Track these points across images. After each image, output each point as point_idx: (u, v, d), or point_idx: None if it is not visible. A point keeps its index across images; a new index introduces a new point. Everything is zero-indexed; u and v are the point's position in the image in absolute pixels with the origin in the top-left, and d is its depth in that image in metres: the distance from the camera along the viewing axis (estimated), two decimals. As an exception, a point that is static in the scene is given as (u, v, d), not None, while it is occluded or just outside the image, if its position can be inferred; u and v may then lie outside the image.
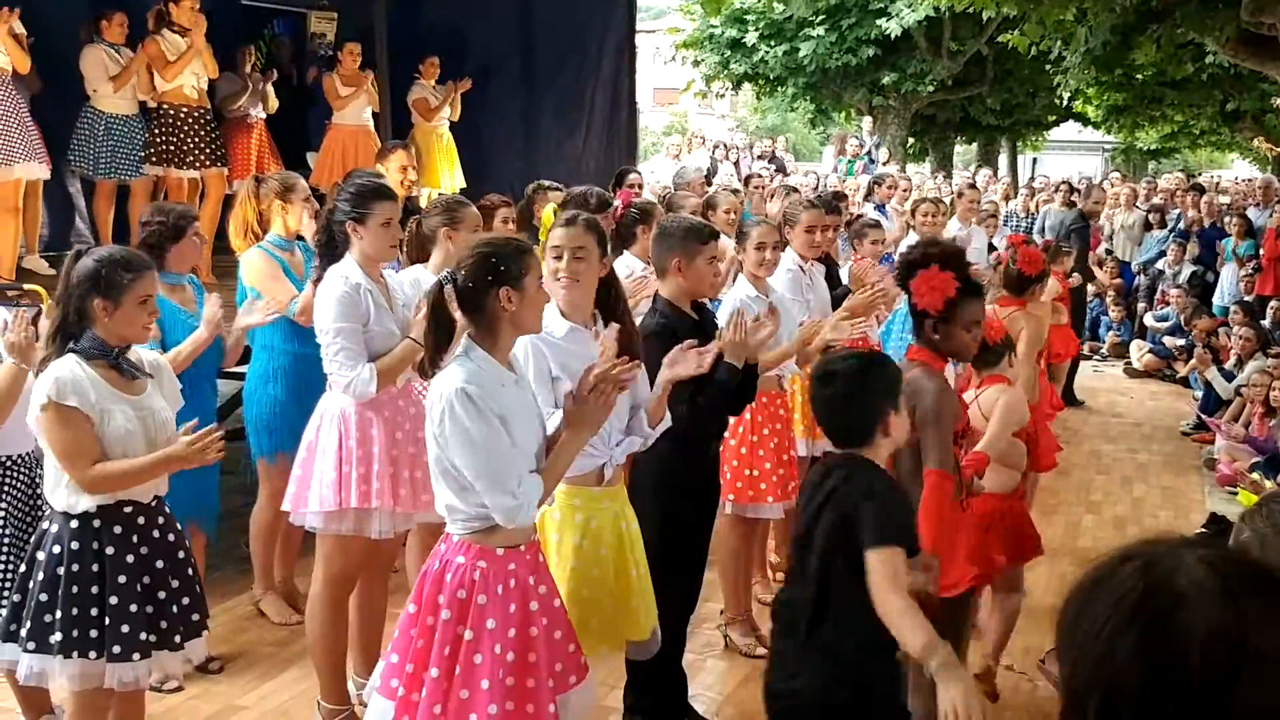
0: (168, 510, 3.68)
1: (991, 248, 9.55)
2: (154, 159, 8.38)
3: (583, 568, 3.76)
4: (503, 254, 3.19)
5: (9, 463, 4.00)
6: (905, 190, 11.60)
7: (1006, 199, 15.63)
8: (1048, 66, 16.80)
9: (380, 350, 4.32)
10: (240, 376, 5.88)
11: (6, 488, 3.99)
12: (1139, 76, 20.71)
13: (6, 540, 3.94)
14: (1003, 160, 31.11)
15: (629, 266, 5.90)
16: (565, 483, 3.59)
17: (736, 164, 17.44)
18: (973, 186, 11.02)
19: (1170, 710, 1.17)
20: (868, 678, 3.13)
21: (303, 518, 4.42)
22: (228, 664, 5.09)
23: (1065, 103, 23.16)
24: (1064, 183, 13.64)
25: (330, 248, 4.41)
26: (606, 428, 3.58)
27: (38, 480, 4.07)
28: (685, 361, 3.72)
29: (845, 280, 6.79)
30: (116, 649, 3.44)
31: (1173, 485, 8.73)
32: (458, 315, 3.20)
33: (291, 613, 5.50)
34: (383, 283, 4.46)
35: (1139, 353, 13.36)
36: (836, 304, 5.79)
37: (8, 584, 3.89)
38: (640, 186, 8.21)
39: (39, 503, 4.05)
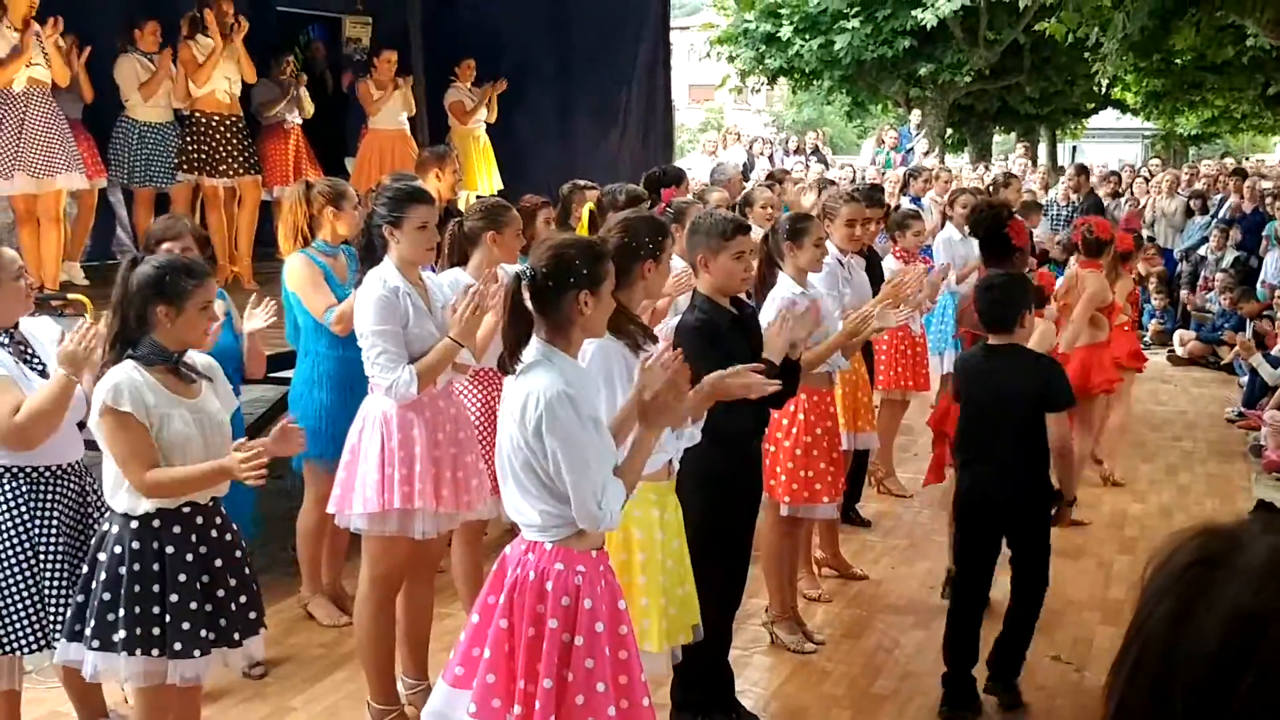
0: (224, 511, 3.72)
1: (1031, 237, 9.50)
2: (187, 166, 8.47)
3: (663, 561, 3.78)
4: (585, 256, 3.20)
5: (60, 471, 4.04)
6: (945, 182, 11.55)
7: (1046, 188, 15.51)
8: (1085, 54, 16.63)
9: (420, 352, 4.35)
10: (285, 382, 5.93)
11: (58, 495, 4.03)
12: (1178, 61, 20.53)
13: (61, 546, 4.00)
14: (1042, 149, 30.88)
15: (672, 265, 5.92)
16: (641, 480, 3.59)
17: (772, 158, 17.39)
18: (1013, 175, 10.94)
19: (1183, 677, 1.19)
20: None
21: (348, 519, 4.46)
22: (278, 666, 5.13)
23: (1104, 90, 22.89)
24: (1111, 173, 13.52)
25: (370, 251, 4.46)
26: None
27: (87, 488, 4.13)
28: (746, 384, 3.62)
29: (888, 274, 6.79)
30: (178, 646, 3.49)
31: (1219, 473, 8.64)
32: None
33: (339, 614, 5.54)
34: (422, 285, 4.49)
35: (1183, 340, 13.23)
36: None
37: (63, 588, 3.95)
38: (687, 188, 8.22)
39: (89, 510, 4.10)
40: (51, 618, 3.93)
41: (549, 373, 3.10)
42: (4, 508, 3.91)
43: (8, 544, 3.91)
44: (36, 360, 4.03)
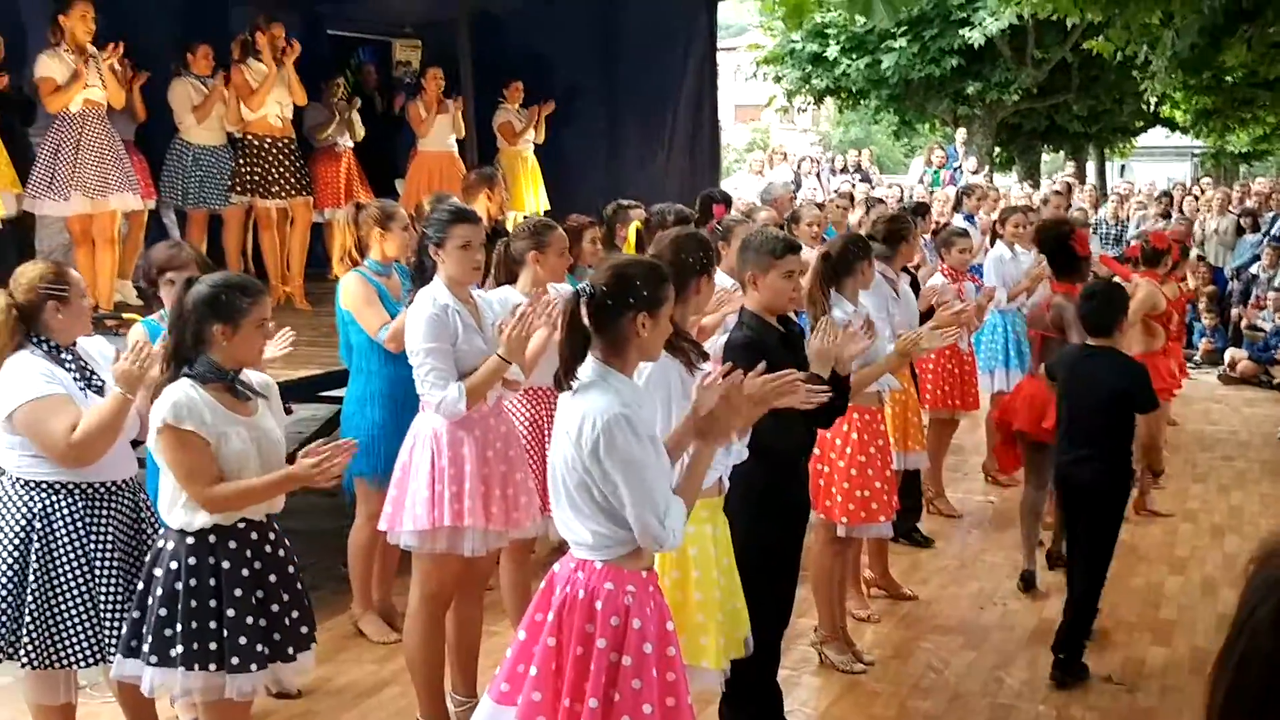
0: (278, 527, 3.75)
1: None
2: (241, 188, 8.59)
3: (716, 577, 3.78)
4: (647, 278, 3.19)
5: (114, 487, 4.09)
6: (994, 200, 11.51)
7: (1095, 206, 15.40)
8: (1134, 72, 16.52)
9: (470, 369, 4.39)
10: (337, 400, 5.98)
11: (112, 512, 4.08)
12: (1228, 79, 20.25)
13: (116, 561, 4.05)
14: (1090, 167, 30.63)
15: (718, 282, 5.94)
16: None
17: (819, 177, 17.39)
18: (1058, 194, 10.89)
19: None
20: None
21: (398, 536, 4.49)
22: (329, 682, 5.17)
23: (1153, 108, 22.69)
24: (1164, 194, 13.39)
25: (421, 270, 4.52)
26: None
27: (140, 505, 4.18)
28: (794, 394, 3.51)
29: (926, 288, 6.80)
30: (235, 660, 3.52)
31: (1272, 492, 8.52)
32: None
33: (390, 631, 5.58)
34: (472, 302, 4.53)
35: (1234, 359, 13.07)
36: (925, 318, 5.79)
37: (118, 603, 4.00)
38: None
39: (143, 526, 4.15)
40: (106, 633, 3.98)
41: (605, 394, 3.10)
42: (60, 523, 3.96)
43: (64, 559, 3.96)
44: (95, 379, 4.09)
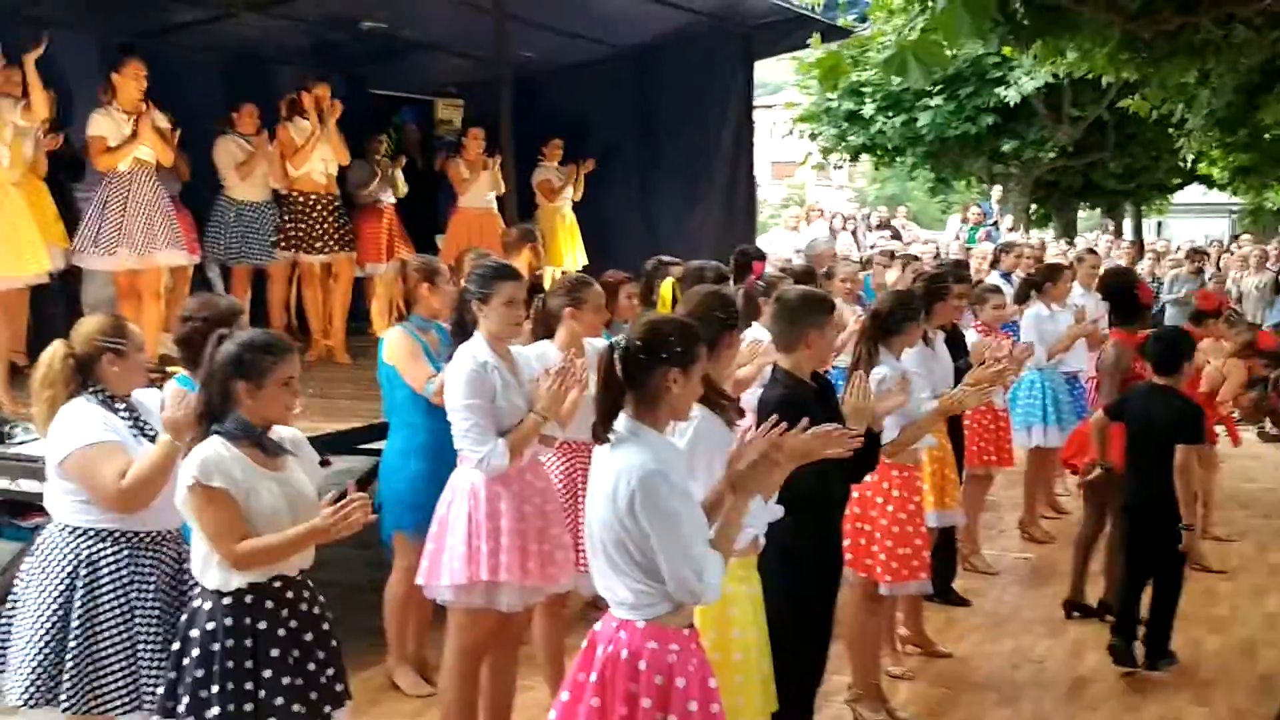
0: (310, 584, 3.77)
1: None
2: (285, 244, 8.74)
3: (755, 637, 3.80)
4: (679, 335, 3.23)
5: (158, 537, 4.13)
6: (1032, 258, 11.50)
7: (1132, 263, 15.35)
8: (1170, 129, 16.50)
9: (509, 425, 4.44)
10: (374, 453, 6.04)
11: (156, 561, 4.11)
12: (1266, 136, 20.20)
13: (156, 610, 4.09)
14: (1127, 224, 30.54)
15: (757, 336, 6.03)
16: (733, 556, 3.60)
17: (855, 234, 17.44)
18: (1092, 252, 10.87)
19: None
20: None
21: (435, 591, 4.53)
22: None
23: (1189, 165, 22.65)
24: (1196, 250, 13.35)
25: (461, 327, 4.58)
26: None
27: (183, 556, 4.19)
28: (828, 441, 3.54)
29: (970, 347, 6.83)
30: None
31: (1318, 548, 8.40)
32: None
33: (424, 684, 5.60)
34: (510, 359, 4.60)
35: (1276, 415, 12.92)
36: (960, 373, 5.81)
37: (156, 653, 4.02)
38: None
39: (184, 577, 4.16)
40: (145, 681, 4.00)
41: (639, 451, 3.12)
42: (105, 571, 4.02)
43: (107, 606, 4.00)
44: (149, 428, 4.16)
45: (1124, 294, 7.23)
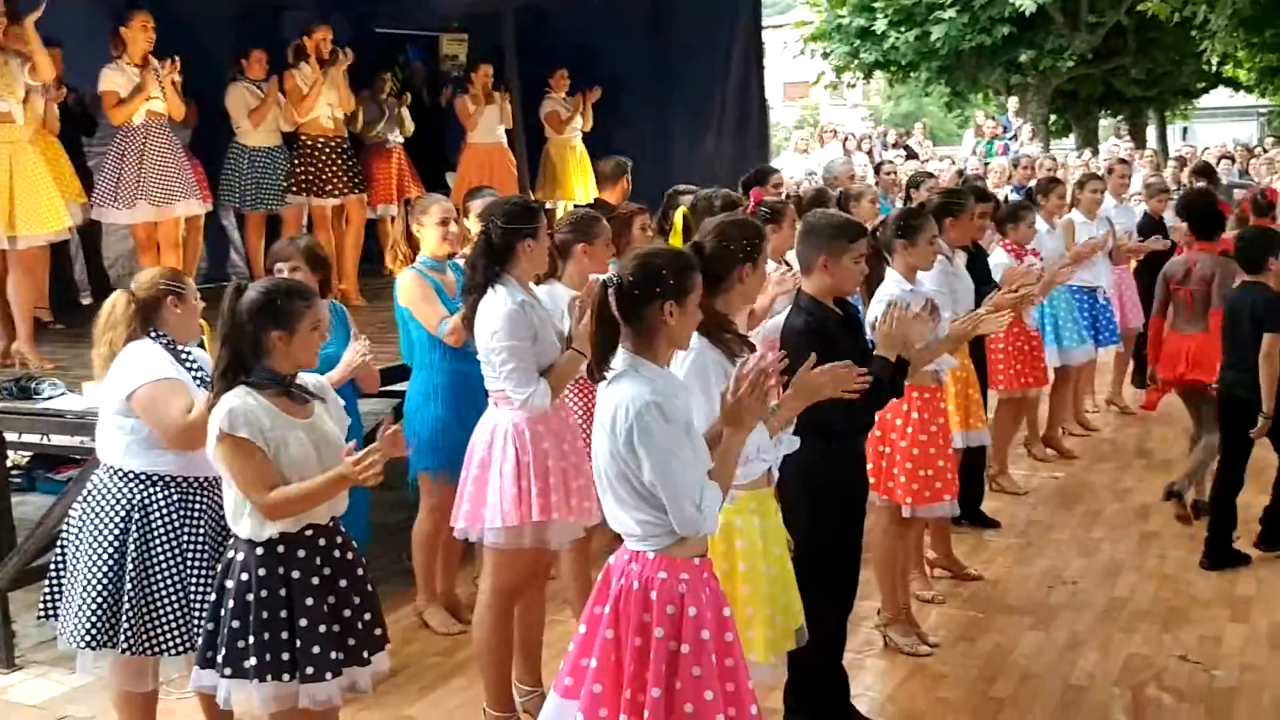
0: (343, 529, 3.77)
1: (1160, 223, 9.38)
2: (296, 188, 8.70)
3: (766, 570, 3.77)
4: (671, 267, 3.20)
5: (207, 483, 4.14)
6: (1049, 170, 11.33)
7: (1156, 170, 15.14)
8: (1193, 32, 16.21)
9: (546, 364, 4.40)
10: (398, 395, 6.03)
11: (204, 506, 4.15)
12: (1293, 34, 19.83)
13: (205, 555, 4.11)
14: (1151, 131, 30.13)
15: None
16: (741, 489, 3.60)
17: (871, 153, 17.24)
18: (1124, 162, 10.68)
19: None
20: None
21: (479, 533, 4.50)
22: (394, 675, 5.18)
23: (1214, 68, 22.28)
24: (1224, 156, 13.12)
25: (490, 267, 4.45)
26: (761, 431, 3.54)
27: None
28: (839, 379, 3.53)
29: (993, 267, 6.74)
30: (309, 670, 3.54)
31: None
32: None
33: (454, 622, 5.63)
34: (534, 297, 4.55)
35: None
36: (982, 295, 5.71)
37: (206, 596, 4.02)
38: (780, 185, 8.22)
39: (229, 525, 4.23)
40: (195, 623, 4.05)
41: (636, 383, 3.12)
42: (157, 515, 4.07)
43: (160, 549, 4.06)
44: (208, 376, 4.15)
45: (1206, 211, 7.50)
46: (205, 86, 8.62)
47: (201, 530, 4.12)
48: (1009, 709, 4.87)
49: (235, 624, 3.56)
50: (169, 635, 4.06)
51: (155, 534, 4.07)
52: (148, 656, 4.08)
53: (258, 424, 3.52)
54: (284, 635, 3.55)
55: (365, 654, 3.71)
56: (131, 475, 4.10)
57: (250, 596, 3.55)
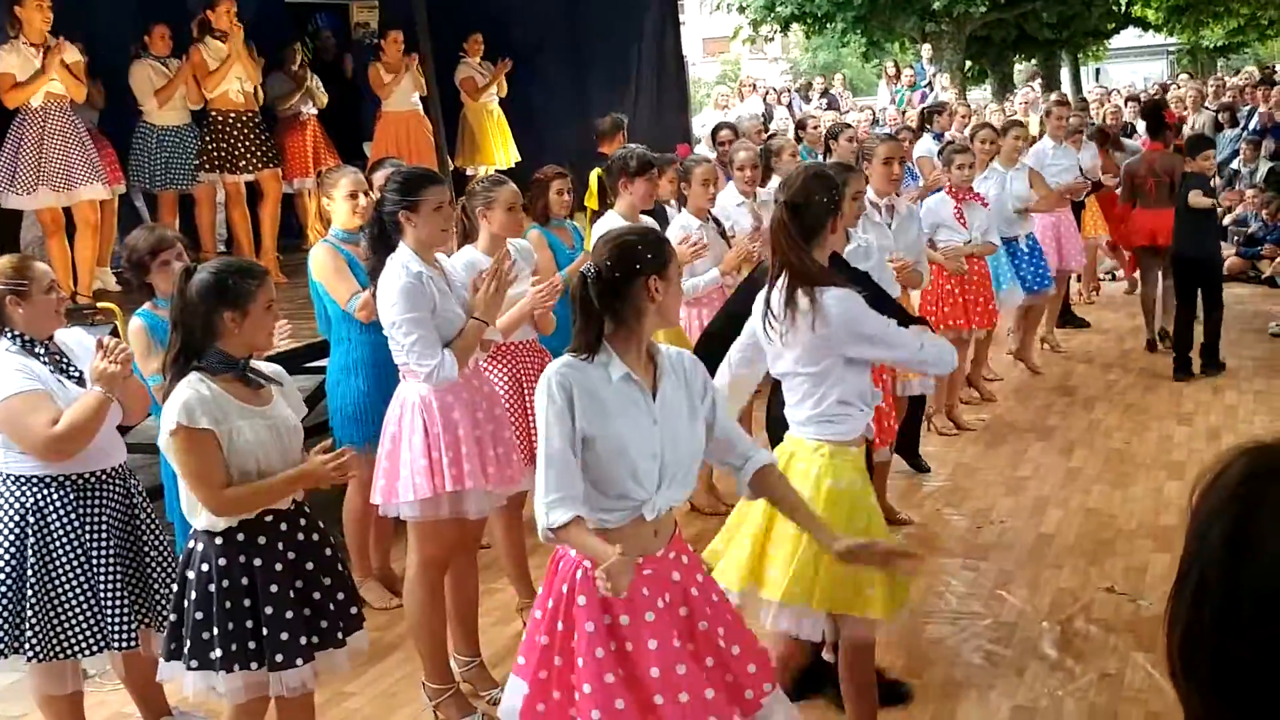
0: (308, 510, 3.70)
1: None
2: (208, 166, 8.52)
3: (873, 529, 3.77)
4: (646, 242, 3.13)
5: (104, 476, 4.07)
6: (964, 117, 11.40)
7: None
8: (1102, -27, 16.36)
9: (448, 335, 4.34)
10: (319, 371, 5.96)
11: (105, 500, 4.06)
12: (1198, -28, 20.12)
13: (112, 549, 4.04)
14: (1065, 74, 30.44)
15: (682, 224, 6.01)
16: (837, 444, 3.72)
17: (790, 106, 17.25)
18: (1061, 104, 10.72)
19: (1251, 587, 1.18)
20: None
21: (395, 508, 4.46)
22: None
23: (1123, 8, 22.54)
24: (1133, 98, 13.35)
25: (383, 240, 4.41)
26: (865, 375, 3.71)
27: (133, 490, 4.17)
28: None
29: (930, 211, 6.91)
30: (279, 657, 3.48)
31: (1266, 389, 8.49)
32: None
33: (391, 597, 5.60)
34: (438, 268, 4.46)
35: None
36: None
37: (117, 591, 4.00)
38: (729, 143, 8.34)
39: (136, 512, 4.15)
40: (108, 621, 3.99)
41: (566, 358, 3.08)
42: (54, 516, 3.96)
43: (60, 551, 3.96)
44: (72, 368, 4.07)
45: (1157, 114, 10.40)
46: (111, 65, 8.41)
47: (105, 525, 4.03)
48: (943, 650, 4.94)
49: (199, 615, 3.48)
50: (81, 637, 3.97)
51: (54, 537, 3.95)
52: (61, 661, 3.98)
53: (213, 413, 3.42)
54: (249, 624, 3.48)
55: (340, 635, 3.65)
56: (23, 479, 3.97)
57: (212, 587, 3.48)
